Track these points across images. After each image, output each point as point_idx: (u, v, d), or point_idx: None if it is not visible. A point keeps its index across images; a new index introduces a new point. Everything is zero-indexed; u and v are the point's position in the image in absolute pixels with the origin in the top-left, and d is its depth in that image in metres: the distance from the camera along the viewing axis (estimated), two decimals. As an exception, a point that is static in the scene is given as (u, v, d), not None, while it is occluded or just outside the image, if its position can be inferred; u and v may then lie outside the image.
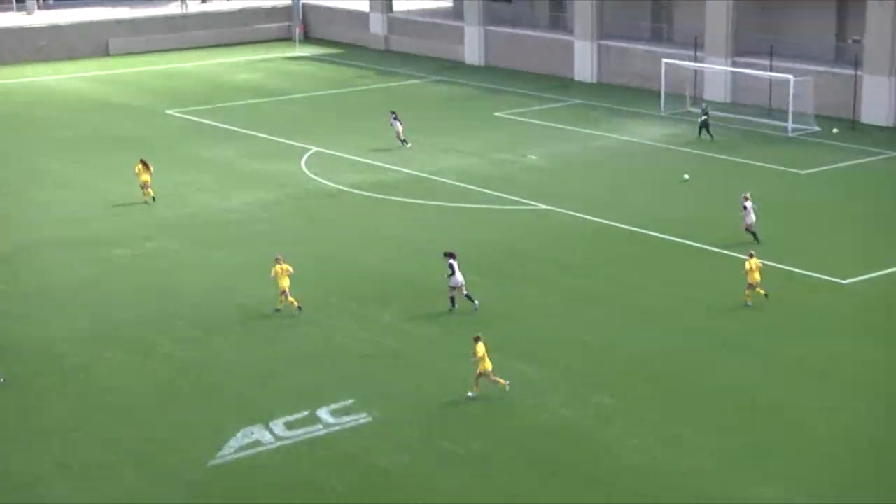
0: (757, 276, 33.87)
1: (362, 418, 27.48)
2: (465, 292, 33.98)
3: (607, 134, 57.85)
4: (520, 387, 28.90)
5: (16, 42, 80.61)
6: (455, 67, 78.12)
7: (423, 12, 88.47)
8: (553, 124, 59.85)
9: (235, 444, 26.23)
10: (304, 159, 52.95)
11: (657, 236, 41.18)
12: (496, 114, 63.02)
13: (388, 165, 51.69)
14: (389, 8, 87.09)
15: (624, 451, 25.86)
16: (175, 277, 37.51)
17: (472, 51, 79.74)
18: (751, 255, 34.43)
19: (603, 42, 72.27)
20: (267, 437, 26.63)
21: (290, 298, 33.89)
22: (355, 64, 79.75)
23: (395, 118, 55.11)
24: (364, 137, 57.16)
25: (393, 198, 46.38)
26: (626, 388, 29.05)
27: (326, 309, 34.58)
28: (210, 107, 64.93)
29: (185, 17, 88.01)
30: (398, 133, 54.72)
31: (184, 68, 78.55)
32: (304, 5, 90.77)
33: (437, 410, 27.96)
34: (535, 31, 77.62)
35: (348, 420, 27.39)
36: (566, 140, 56.49)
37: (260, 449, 26.12)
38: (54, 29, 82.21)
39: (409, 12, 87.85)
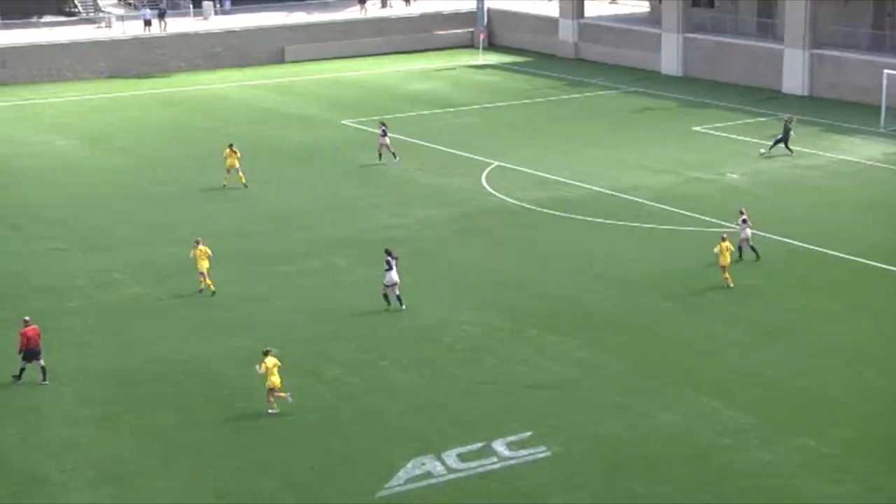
0: (727, 257, 37.57)
1: (540, 452, 27.51)
2: (397, 292, 36.62)
3: (818, 152, 56.61)
4: (709, 425, 28.55)
5: (191, 48, 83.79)
6: (650, 78, 77.66)
7: (617, 18, 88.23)
8: (757, 140, 58.91)
9: (405, 475, 26.53)
10: (484, 174, 53.44)
11: (866, 263, 40.13)
12: (694, 128, 62.39)
13: (574, 182, 51.72)
14: (580, 13, 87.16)
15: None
16: (337, 297, 38.22)
17: (669, 60, 79.13)
18: (723, 238, 38.01)
19: (816, 51, 70.76)
20: (439, 468, 26.88)
21: (208, 280, 37.59)
22: (542, 73, 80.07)
23: (384, 130, 55.31)
24: (550, 151, 57.33)
25: (577, 216, 46.38)
26: (826, 431, 28.37)
27: (501, 334, 34.82)
28: (387, 117, 66.18)
29: (362, 23, 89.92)
30: (386, 146, 54.95)
31: (361, 76, 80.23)
32: (488, 10, 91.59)
33: (618, 446, 27.79)
34: (740, 39, 76.51)
35: (525, 454, 27.47)
36: (771, 158, 55.52)
37: (431, 481, 26.35)
38: (230, 35, 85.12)
39: (601, 18, 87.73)
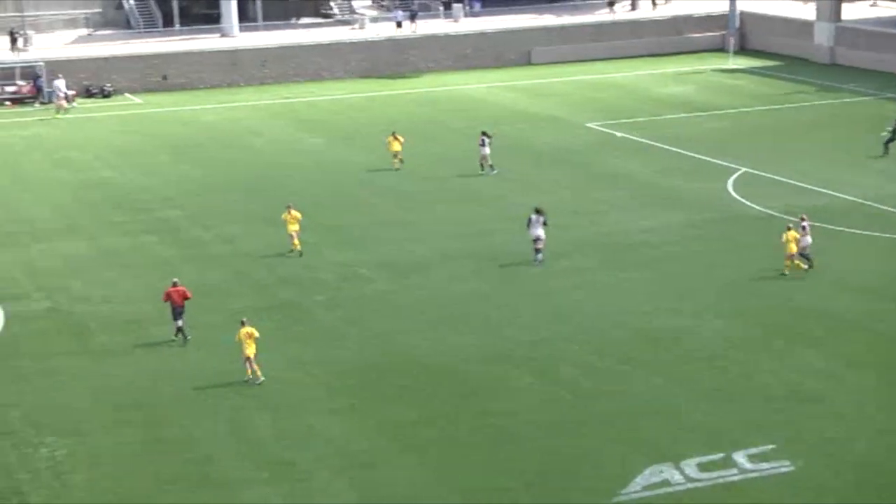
0: (793, 247, 38.81)
1: (784, 467, 26.86)
2: (536, 246, 40.83)
3: None
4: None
5: (441, 50, 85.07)
6: (910, 84, 74.67)
7: (878, 21, 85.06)
8: None
9: (642, 482, 26.32)
10: (731, 180, 52.39)
11: None
12: (956, 137, 59.54)
13: (822, 189, 50.19)
14: (837, 16, 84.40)
15: None
16: (574, 298, 38.19)
17: (931, 65, 75.82)
18: (789, 228, 39.37)
19: None
20: (677, 476, 26.55)
21: (296, 241, 41.92)
22: (795, 78, 77.91)
23: (484, 140, 54.10)
24: (799, 158, 55.77)
25: (828, 226, 44.92)
26: None
27: (746, 343, 34.08)
28: (632, 120, 65.62)
29: (612, 24, 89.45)
30: (485, 157, 53.96)
31: (608, 79, 79.84)
32: (740, 13, 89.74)
33: (866, 464, 26.87)
34: None
35: (767, 467, 26.85)
36: None
37: (669, 489, 26.10)
38: (479, 37, 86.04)
39: (860, 21, 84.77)
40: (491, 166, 54.48)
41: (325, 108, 72.01)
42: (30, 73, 74.91)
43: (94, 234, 46.65)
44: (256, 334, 31.99)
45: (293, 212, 42.89)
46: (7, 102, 73.68)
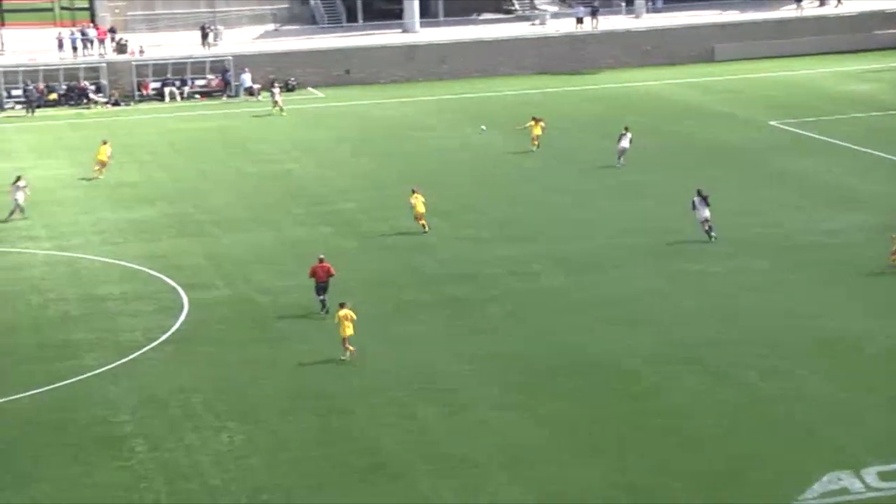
0: None
1: (967, 478, 25.89)
2: (706, 227, 42.49)
3: None
4: None
5: (621, 46, 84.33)
6: None
7: None
8: None
9: (820, 489, 25.68)
10: (917, 181, 50.71)
11: None
12: None
13: None
14: None
15: None
16: (746, 299, 37.51)
17: None
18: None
19: None
20: (857, 485, 25.83)
21: (423, 221, 44.85)
22: None
23: (624, 135, 54.71)
24: None
25: None
26: None
27: (932, 351, 32.94)
28: (815, 119, 63.93)
29: (797, 21, 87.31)
30: (622, 150, 54.59)
31: (792, 76, 77.95)
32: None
33: None
34: None
35: (951, 479, 25.93)
36: None
37: (849, 497, 25.43)
38: (660, 33, 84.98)
39: None
40: (622, 159, 54.51)
41: (500, 103, 72.09)
42: (219, 67, 77.09)
43: (275, 225, 47.70)
44: (354, 316, 33.27)
45: (418, 195, 45.27)
46: (197, 95, 76.01)
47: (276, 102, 69.62)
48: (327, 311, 36.42)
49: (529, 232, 45.65)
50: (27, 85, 72.45)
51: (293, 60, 78.92)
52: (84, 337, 36.17)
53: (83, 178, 55.55)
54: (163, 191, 53.49)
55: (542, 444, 28.49)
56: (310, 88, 77.84)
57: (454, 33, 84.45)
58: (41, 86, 73.67)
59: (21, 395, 32.17)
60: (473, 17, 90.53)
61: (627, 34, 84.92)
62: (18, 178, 49.53)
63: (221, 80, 76.43)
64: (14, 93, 73.68)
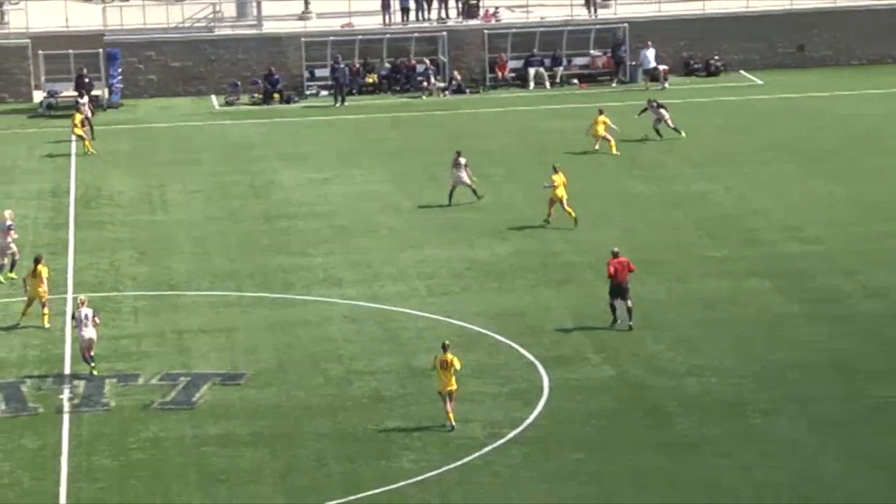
0: None
1: None
2: None
3: None
4: None
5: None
6: None
7: None
8: None
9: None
10: None
11: None
12: None
13: None
14: None
15: None
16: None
17: None
18: None
19: None
20: None
21: (569, 209, 51.96)
22: None
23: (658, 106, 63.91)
24: None
25: None
26: None
27: None
28: None
29: None
30: (665, 120, 63.51)
31: None
32: None
33: None
34: None
35: None
36: None
37: None
38: None
39: None
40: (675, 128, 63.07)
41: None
42: (608, 38, 77.33)
43: (678, 272, 47.76)
44: (458, 365, 35.28)
45: (560, 174, 52.55)
46: (575, 80, 76.52)
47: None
48: (630, 328, 41.73)
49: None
50: (336, 63, 74.59)
51: (717, 30, 78.35)
52: (398, 427, 36.95)
53: (406, 198, 57.27)
54: (518, 217, 54.40)
55: None
56: (742, 72, 77.42)
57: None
58: (356, 64, 76.14)
59: (308, 508, 33.19)
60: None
61: None
62: (459, 154, 55.90)
63: (611, 59, 76.74)
64: (318, 74, 76.69)
